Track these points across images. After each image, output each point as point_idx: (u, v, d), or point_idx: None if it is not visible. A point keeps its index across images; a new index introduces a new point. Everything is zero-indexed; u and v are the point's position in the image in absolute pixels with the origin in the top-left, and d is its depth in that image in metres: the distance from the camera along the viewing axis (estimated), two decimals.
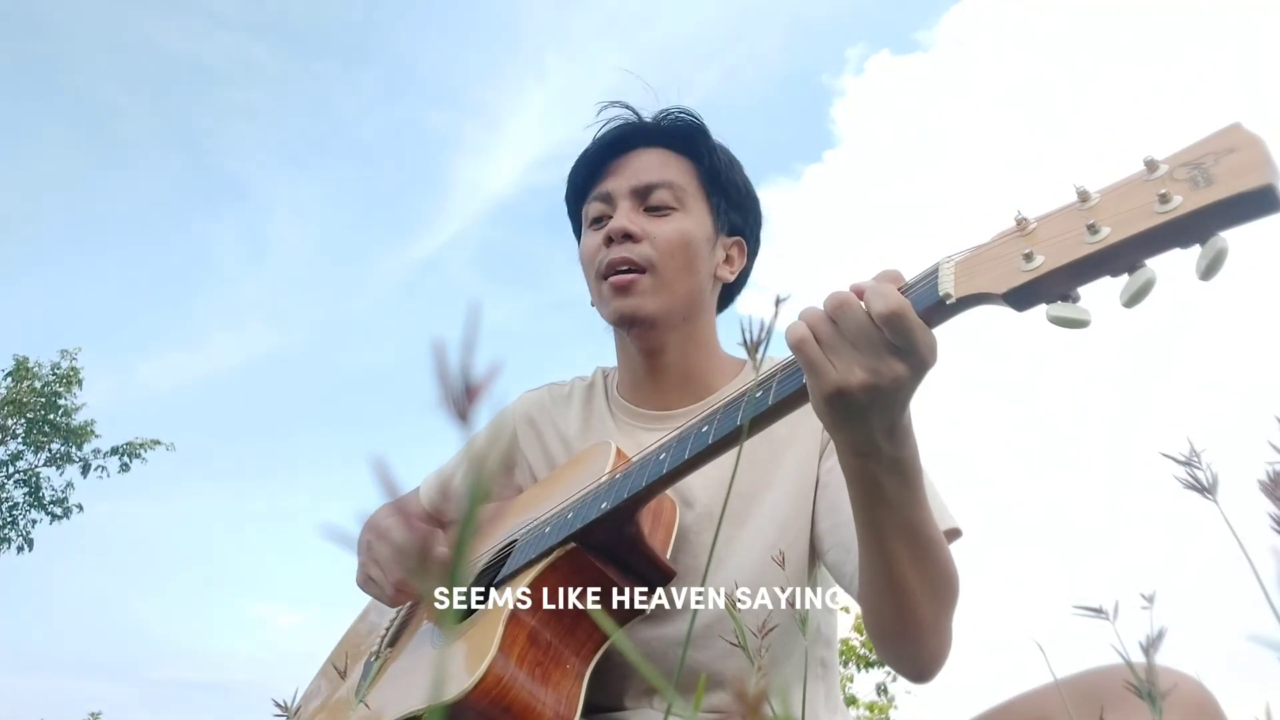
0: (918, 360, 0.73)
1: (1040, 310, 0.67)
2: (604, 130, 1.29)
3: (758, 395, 0.86)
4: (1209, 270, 0.58)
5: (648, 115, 1.29)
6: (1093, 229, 0.63)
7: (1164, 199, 0.59)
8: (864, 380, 0.73)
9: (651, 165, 1.25)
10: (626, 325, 1.22)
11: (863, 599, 0.95)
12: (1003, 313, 0.70)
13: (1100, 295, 0.66)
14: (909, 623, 0.89)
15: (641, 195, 1.23)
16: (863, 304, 0.74)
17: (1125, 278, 0.62)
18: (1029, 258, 0.66)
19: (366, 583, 1.25)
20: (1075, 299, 0.66)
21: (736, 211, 1.29)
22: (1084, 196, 0.66)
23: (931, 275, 0.74)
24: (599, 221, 1.25)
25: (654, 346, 1.24)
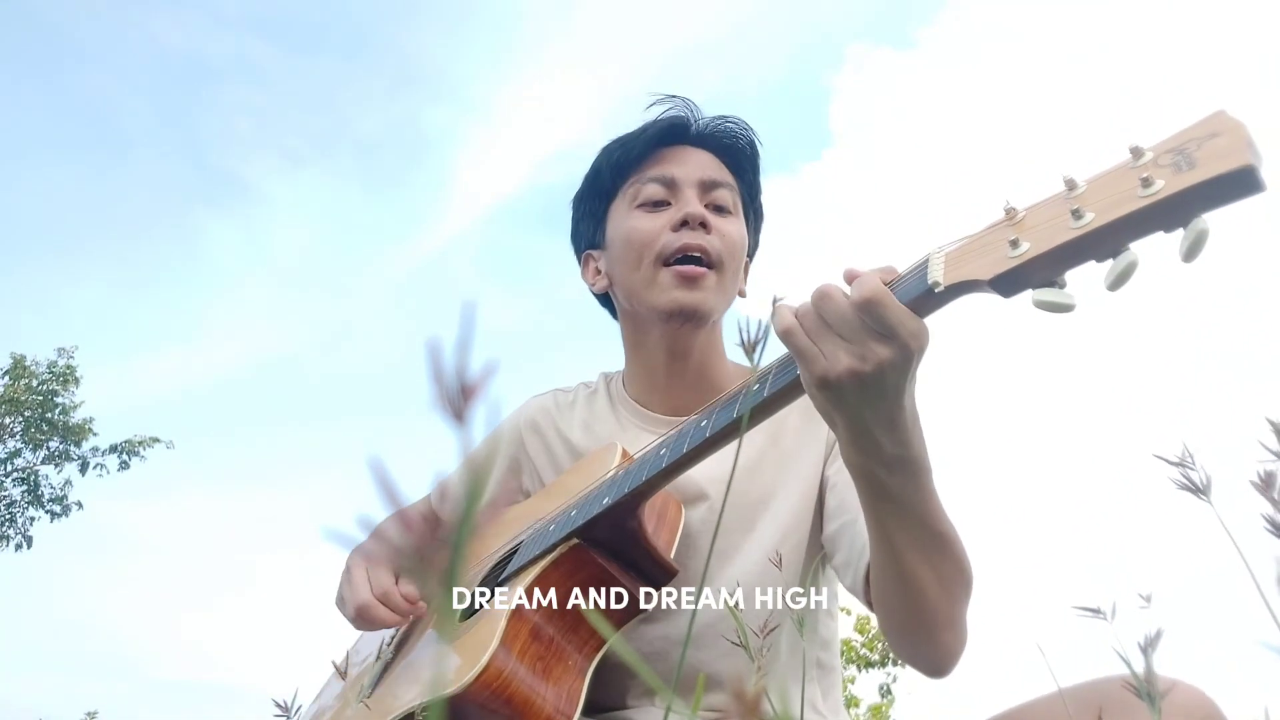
0: (900, 345, 0.73)
1: (1027, 296, 0.68)
2: (665, 113, 1.26)
3: (754, 388, 0.87)
4: (1191, 252, 0.59)
5: (702, 115, 1.26)
6: (1077, 214, 0.63)
7: (1147, 183, 0.60)
8: (850, 366, 0.74)
9: (711, 165, 1.23)
10: (681, 319, 1.17)
11: (876, 595, 0.95)
12: (993, 301, 0.71)
13: (1086, 281, 0.66)
14: (923, 618, 0.89)
15: (706, 189, 1.21)
16: (845, 292, 0.75)
17: (1110, 262, 0.63)
18: (1015, 244, 0.67)
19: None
20: (1061, 285, 0.67)
21: (754, 235, 1.30)
22: (1071, 185, 0.66)
23: (922, 265, 0.75)
24: (658, 205, 1.21)
25: (686, 345, 1.22)
